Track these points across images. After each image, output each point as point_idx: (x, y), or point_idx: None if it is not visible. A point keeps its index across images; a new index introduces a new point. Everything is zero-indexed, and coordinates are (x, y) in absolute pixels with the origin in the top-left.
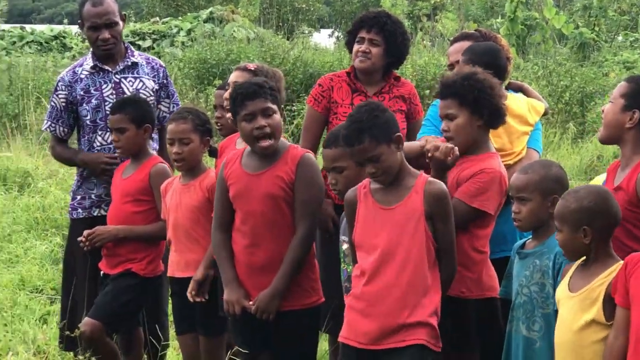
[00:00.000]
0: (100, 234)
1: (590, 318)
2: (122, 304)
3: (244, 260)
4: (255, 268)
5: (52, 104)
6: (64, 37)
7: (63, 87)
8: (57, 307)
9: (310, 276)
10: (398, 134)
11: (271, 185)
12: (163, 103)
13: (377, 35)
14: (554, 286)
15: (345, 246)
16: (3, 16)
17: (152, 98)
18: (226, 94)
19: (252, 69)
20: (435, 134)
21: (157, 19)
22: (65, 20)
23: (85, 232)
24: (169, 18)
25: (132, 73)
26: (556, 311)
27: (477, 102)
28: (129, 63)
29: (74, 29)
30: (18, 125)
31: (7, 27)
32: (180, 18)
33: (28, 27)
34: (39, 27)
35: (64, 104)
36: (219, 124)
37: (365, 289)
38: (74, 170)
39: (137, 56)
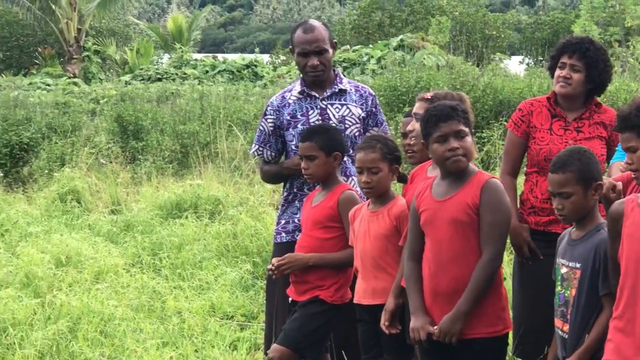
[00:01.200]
0: (291, 262)
1: None
2: (310, 331)
3: (429, 287)
4: (439, 294)
5: (261, 127)
6: (255, 65)
7: (272, 111)
8: (247, 333)
9: (497, 304)
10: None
11: (457, 211)
12: (371, 131)
13: (579, 61)
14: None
15: (564, 270)
16: (196, 45)
17: (357, 125)
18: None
19: (429, 97)
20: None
21: (348, 47)
22: (257, 50)
23: (274, 261)
24: (359, 46)
25: (339, 100)
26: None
27: None
28: (337, 90)
29: (265, 57)
30: (209, 153)
31: (199, 56)
32: (370, 46)
33: (220, 57)
34: (231, 57)
35: (271, 128)
36: (408, 151)
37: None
38: (265, 197)
39: (346, 83)
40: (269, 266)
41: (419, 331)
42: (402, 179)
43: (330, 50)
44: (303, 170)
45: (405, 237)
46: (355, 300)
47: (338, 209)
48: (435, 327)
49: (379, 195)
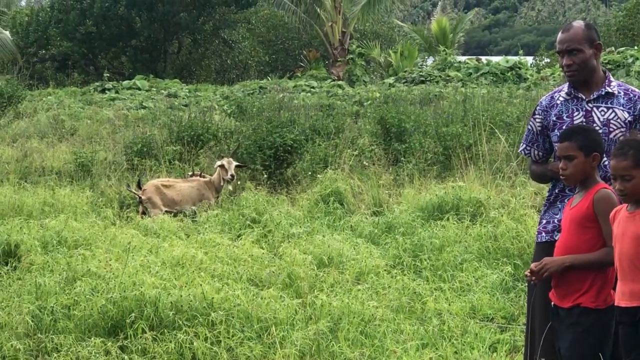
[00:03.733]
0: (547, 264)
1: None
2: (588, 347)
3: None
4: None
5: (529, 127)
6: (519, 68)
7: (540, 111)
8: (507, 335)
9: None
10: None
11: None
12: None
13: None
14: None
15: None
16: (460, 48)
17: (622, 129)
18: None
19: None
20: None
21: (613, 48)
22: (521, 52)
23: (532, 266)
24: (624, 48)
25: (606, 103)
26: None
27: None
28: (603, 92)
29: (529, 59)
30: (472, 155)
31: (463, 58)
32: (636, 47)
33: (484, 59)
34: (495, 59)
35: (539, 128)
36: None
37: None
38: (526, 199)
39: (615, 86)
40: (527, 272)
41: None
42: None
43: (587, 51)
44: (561, 170)
45: None
46: (615, 303)
47: (593, 207)
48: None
49: (637, 200)
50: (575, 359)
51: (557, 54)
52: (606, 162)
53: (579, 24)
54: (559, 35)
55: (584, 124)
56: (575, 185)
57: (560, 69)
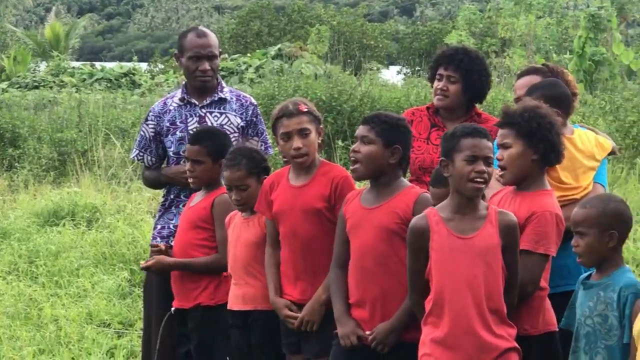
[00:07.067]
0: (156, 265)
1: None
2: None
3: (355, 294)
4: (366, 302)
5: (142, 133)
6: (133, 74)
7: (153, 117)
8: (124, 341)
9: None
10: None
11: (385, 219)
12: (252, 141)
13: (455, 72)
14: (618, 319)
15: None
16: (74, 54)
17: (235, 135)
18: None
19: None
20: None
21: (226, 55)
22: (135, 58)
23: (142, 263)
24: (237, 55)
25: (219, 108)
26: (627, 344)
27: (534, 135)
28: (216, 98)
29: (144, 66)
30: (87, 161)
31: (77, 64)
32: (248, 55)
33: (98, 65)
34: (109, 65)
35: (152, 134)
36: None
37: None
38: (143, 205)
39: (227, 92)
40: (143, 263)
41: (349, 336)
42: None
43: (219, 58)
44: (188, 172)
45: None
46: (228, 306)
47: (212, 210)
48: (368, 333)
49: (252, 207)
50: (205, 359)
51: (188, 58)
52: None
53: (208, 30)
54: (194, 39)
55: (212, 126)
56: (201, 189)
57: (189, 73)
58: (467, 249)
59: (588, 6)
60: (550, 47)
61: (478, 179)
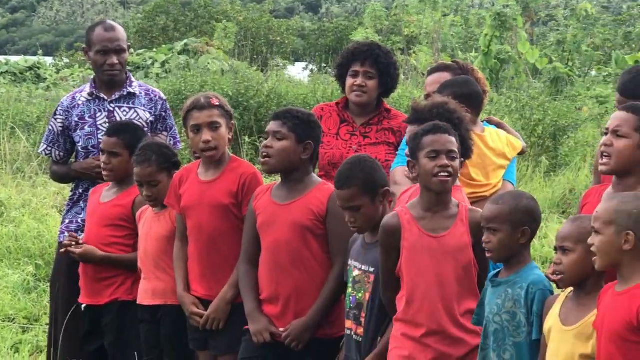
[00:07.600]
0: (85, 254)
1: (588, 353)
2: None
3: (267, 290)
4: (279, 298)
5: (50, 127)
6: (38, 68)
7: (61, 112)
8: (29, 336)
9: (335, 310)
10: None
11: (299, 215)
12: (161, 136)
13: (372, 67)
14: (526, 316)
15: (356, 272)
16: None
17: (145, 129)
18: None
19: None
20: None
21: (132, 50)
22: (40, 52)
23: (71, 239)
24: (143, 50)
25: (128, 103)
26: (536, 341)
27: None
28: (125, 93)
29: (49, 60)
30: None
31: None
32: (154, 50)
33: (2, 58)
34: (14, 58)
35: (60, 129)
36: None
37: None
38: (48, 200)
39: (136, 87)
40: (66, 241)
41: (262, 333)
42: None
43: (127, 52)
44: (103, 165)
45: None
46: (138, 301)
47: (133, 209)
48: (282, 330)
49: (163, 202)
50: (120, 355)
51: (96, 52)
52: None
53: (116, 24)
54: (102, 33)
55: (128, 120)
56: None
57: (97, 67)
58: (439, 248)
59: (493, 5)
60: (456, 45)
61: (442, 173)
